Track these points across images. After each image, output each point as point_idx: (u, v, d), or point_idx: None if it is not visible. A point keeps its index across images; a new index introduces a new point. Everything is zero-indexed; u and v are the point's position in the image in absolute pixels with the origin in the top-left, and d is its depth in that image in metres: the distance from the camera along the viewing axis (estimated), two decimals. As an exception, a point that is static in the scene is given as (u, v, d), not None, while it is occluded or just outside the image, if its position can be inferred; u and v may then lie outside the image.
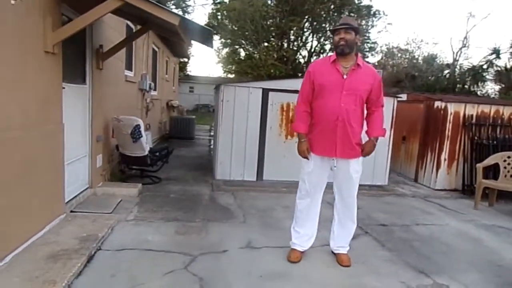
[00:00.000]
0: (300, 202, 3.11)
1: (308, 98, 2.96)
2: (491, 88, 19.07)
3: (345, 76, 2.81)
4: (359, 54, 2.95)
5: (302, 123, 3.00)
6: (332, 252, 3.17)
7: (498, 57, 17.89)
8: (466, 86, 18.92)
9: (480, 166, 5.18)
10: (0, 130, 2.52)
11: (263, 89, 5.73)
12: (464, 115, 5.99)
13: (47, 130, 3.22)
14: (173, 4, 18.89)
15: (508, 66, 17.33)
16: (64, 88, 3.54)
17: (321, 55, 23.08)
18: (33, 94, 2.95)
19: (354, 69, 2.83)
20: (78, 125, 4.17)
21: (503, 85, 17.40)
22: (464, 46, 21.37)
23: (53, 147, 3.35)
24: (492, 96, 18.16)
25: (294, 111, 3.12)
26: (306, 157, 2.98)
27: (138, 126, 4.93)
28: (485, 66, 18.56)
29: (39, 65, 3.03)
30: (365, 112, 3.02)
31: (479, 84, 18.94)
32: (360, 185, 5.55)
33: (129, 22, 6.18)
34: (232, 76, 27.30)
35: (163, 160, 5.64)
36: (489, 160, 5.30)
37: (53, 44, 3.14)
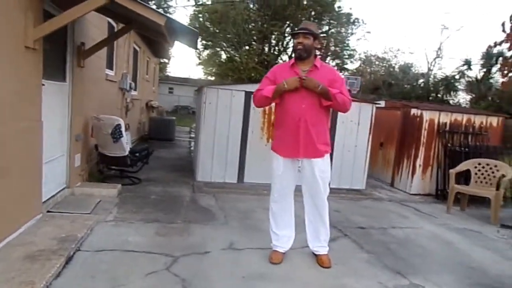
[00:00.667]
0: (273, 205, 3.17)
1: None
2: (463, 97, 19.90)
3: (301, 78, 2.86)
4: (318, 57, 3.04)
5: (267, 89, 2.95)
6: (313, 253, 3.22)
7: (469, 68, 18.73)
8: (439, 95, 19.64)
9: (452, 172, 5.40)
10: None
11: (246, 92, 5.76)
12: (439, 122, 6.23)
13: (24, 127, 3.13)
14: (154, 4, 18.70)
15: (479, 77, 18.13)
16: (43, 85, 3.45)
17: (302, 61, 23.33)
18: (10, 90, 2.86)
19: (312, 71, 2.93)
20: (57, 123, 4.07)
21: (473, 95, 18.17)
22: (438, 57, 22.27)
23: (30, 145, 3.26)
24: (463, 105, 18.93)
25: (254, 99, 3.12)
26: (301, 78, 2.83)
27: (119, 126, 4.86)
28: (457, 77, 19.37)
29: (19, 60, 2.95)
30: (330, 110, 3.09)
31: (452, 93, 19.72)
32: (338, 189, 5.79)
33: (110, 20, 6.08)
34: (212, 78, 27.23)
35: (143, 161, 5.58)
36: (461, 166, 5.53)
37: (34, 39, 3.07)
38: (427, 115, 6.21)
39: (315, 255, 3.20)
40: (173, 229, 3.67)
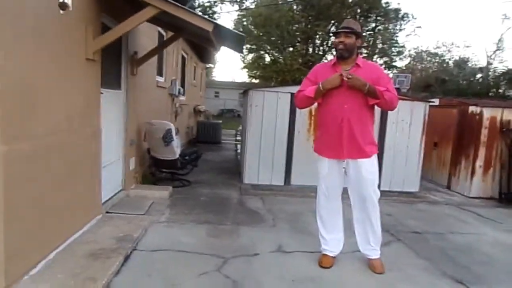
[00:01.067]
0: (320, 207, 3.11)
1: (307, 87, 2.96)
2: (528, 92, 18.28)
3: (345, 78, 2.78)
4: (360, 56, 2.94)
5: (309, 90, 2.91)
6: (365, 257, 3.11)
7: (535, 60, 17.15)
8: (500, 91, 18.22)
9: (519, 173, 4.97)
10: (45, 134, 2.65)
11: (292, 93, 5.72)
12: (501, 120, 5.78)
13: (87, 134, 3.36)
14: (200, 11, 19.28)
15: (546, 69, 16.57)
16: (102, 93, 3.68)
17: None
18: (76, 100, 3.09)
19: (354, 70, 2.83)
20: (114, 129, 4.32)
21: (540, 89, 16.63)
22: (499, 49, 20.63)
23: (92, 151, 3.49)
24: (529, 100, 17.37)
25: (296, 100, 3.09)
26: (341, 76, 2.76)
27: (170, 130, 5.06)
28: (521, 70, 17.83)
29: (81, 71, 3.18)
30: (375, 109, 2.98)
31: (515, 88, 18.20)
32: (389, 191, 5.57)
33: (160, 29, 6.36)
34: (256, 81, 27.45)
35: (193, 164, 5.75)
36: (529, 167, 5.07)
37: (94, 51, 3.29)
38: (487, 113, 5.78)
39: (368, 259, 3.08)
40: (223, 230, 3.74)
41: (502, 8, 44.46)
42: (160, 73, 6.83)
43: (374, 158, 2.95)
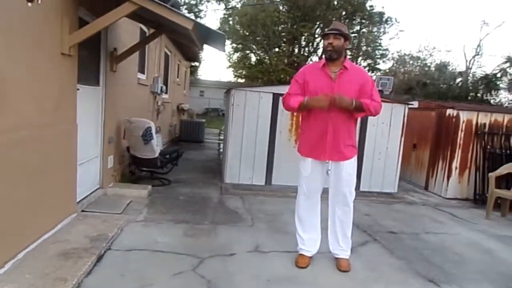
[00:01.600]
0: (299, 207, 3.13)
1: (297, 93, 2.98)
2: (505, 97, 18.85)
3: (334, 80, 2.85)
4: (347, 57, 2.97)
5: (294, 99, 2.94)
6: (334, 256, 3.15)
7: (512, 65, 17.70)
8: (479, 95, 18.72)
9: (492, 175, 5.11)
10: (16, 128, 2.57)
11: (274, 93, 5.74)
12: (477, 123, 5.93)
13: (61, 130, 3.28)
14: (185, 9, 19.12)
15: (523, 75, 17.11)
16: (78, 89, 3.61)
17: (332, 61, 23.02)
18: (48, 95, 3.01)
19: (342, 72, 2.88)
20: (91, 126, 4.24)
21: (517, 94, 17.16)
22: (477, 54, 21.22)
23: (66, 147, 3.41)
24: (506, 105, 17.91)
25: (284, 102, 3.10)
26: (327, 98, 2.76)
27: (149, 128, 4.99)
28: (498, 75, 18.37)
29: (56, 66, 3.10)
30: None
31: (493, 92, 18.74)
32: (368, 192, 5.65)
33: (142, 26, 6.27)
34: (242, 80, 27.42)
35: (173, 163, 5.69)
36: (502, 170, 5.22)
37: (70, 46, 3.21)
38: (464, 116, 5.93)
39: (335, 258, 3.12)
40: (201, 230, 3.71)
41: (482, 14, 45.74)
42: (141, 70, 6.74)
43: (354, 160, 3.00)
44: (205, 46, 4.79)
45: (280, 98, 5.66)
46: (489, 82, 18.34)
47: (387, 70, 25.34)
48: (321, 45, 23.23)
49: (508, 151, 5.74)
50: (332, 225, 3.14)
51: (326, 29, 3.03)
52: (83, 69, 3.77)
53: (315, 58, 23.67)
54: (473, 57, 21.70)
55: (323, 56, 2.98)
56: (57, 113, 3.15)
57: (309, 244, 3.11)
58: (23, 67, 2.61)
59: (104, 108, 4.49)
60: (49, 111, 3.02)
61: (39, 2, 2.60)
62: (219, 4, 21.68)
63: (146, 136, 5.00)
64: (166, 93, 9.15)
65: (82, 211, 3.84)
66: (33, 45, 2.73)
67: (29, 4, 2.48)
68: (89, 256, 2.79)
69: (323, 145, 2.90)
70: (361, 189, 5.79)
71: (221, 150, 9.22)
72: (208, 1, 20.82)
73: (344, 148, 2.92)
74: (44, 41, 2.89)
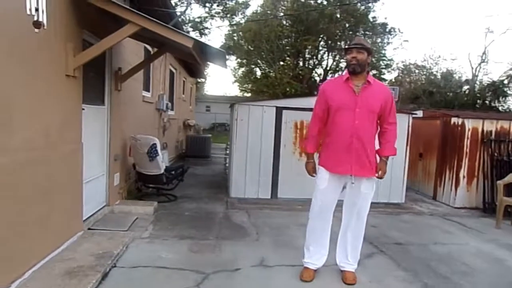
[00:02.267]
0: (311, 220, 3.11)
1: (322, 117, 3.02)
2: (513, 103, 18.62)
3: (357, 94, 2.86)
4: (370, 72, 2.99)
5: (311, 143, 3.10)
6: (340, 269, 3.13)
7: (519, 71, 17.55)
8: (486, 102, 18.55)
9: (500, 183, 5.04)
10: (23, 150, 2.64)
11: (277, 107, 5.79)
12: (483, 131, 5.88)
13: (67, 150, 3.35)
14: (190, 27, 19.49)
15: (530, 81, 16.95)
16: (83, 109, 3.69)
17: (337, 73, 23.17)
18: (54, 116, 3.09)
19: (366, 87, 2.89)
20: (96, 144, 4.31)
21: (525, 100, 16.96)
22: (483, 62, 21.08)
23: (72, 166, 3.47)
24: (515, 111, 17.71)
25: (308, 129, 3.19)
26: (312, 176, 3.09)
27: (154, 145, 5.05)
28: (506, 81, 18.20)
29: (60, 88, 3.18)
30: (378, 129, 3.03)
31: (500, 99, 18.55)
32: (375, 203, 5.58)
33: (147, 45, 6.41)
34: (248, 94, 27.63)
35: (179, 179, 5.74)
36: (510, 177, 5.14)
37: (74, 68, 3.31)
38: (469, 124, 5.89)
39: (341, 271, 3.10)
40: (206, 246, 3.71)
41: (486, 22, 45.69)
42: (146, 88, 6.86)
43: (374, 177, 2.98)
44: (208, 63, 4.88)
45: (283, 112, 5.77)
46: (497, 89, 18.18)
47: (393, 80, 25.32)
48: (325, 57, 23.43)
49: (515, 158, 5.66)
50: (343, 238, 3.12)
51: (348, 44, 3.08)
52: (88, 89, 3.86)
53: (319, 71, 23.84)
54: (479, 64, 21.57)
55: (346, 70, 2.98)
56: (62, 133, 3.22)
57: (315, 258, 3.09)
58: (28, 90, 2.70)
59: (110, 127, 4.57)
60: (54, 132, 3.09)
61: (45, 27, 2.70)
62: (223, 21, 22.03)
63: (152, 153, 5.06)
64: (172, 109, 9.28)
65: (89, 229, 3.88)
66: (38, 68, 2.82)
67: (36, 30, 2.57)
68: (94, 274, 2.81)
69: (349, 158, 2.86)
70: (368, 200, 5.74)
71: (227, 164, 9.25)
72: (212, 18, 21.17)
73: (371, 164, 2.91)
74: (49, 64, 2.98)
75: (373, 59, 23.13)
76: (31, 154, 2.76)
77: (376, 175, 2.96)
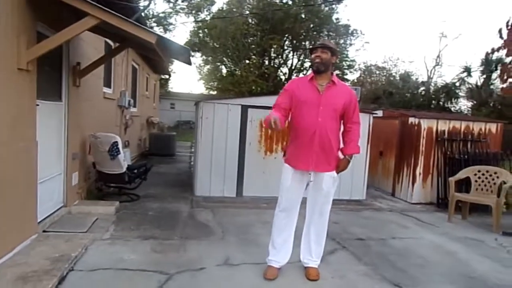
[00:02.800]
0: (277, 217, 3.13)
1: (284, 108, 3.00)
2: (464, 104, 19.83)
3: (321, 93, 2.92)
4: (334, 73, 3.06)
5: (275, 111, 2.86)
6: (303, 265, 3.18)
7: (469, 75, 18.73)
8: (440, 103, 19.61)
9: (452, 179, 5.35)
10: (-31, 148, 2.46)
11: (242, 105, 5.79)
12: (437, 130, 6.21)
13: (19, 148, 3.15)
14: (154, 22, 19.02)
15: (479, 84, 18.11)
16: (38, 105, 3.49)
17: (301, 73, 23.55)
18: (4, 111, 2.89)
19: (330, 86, 2.96)
20: (53, 142, 4.10)
21: (474, 102, 18.11)
22: (438, 65, 22.31)
23: (25, 165, 3.28)
24: (465, 112, 18.86)
25: (266, 119, 3.04)
26: (276, 123, 2.64)
27: (115, 143, 4.89)
28: (457, 84, 19.35)
29: (12, 82, 2.99)
30: (341, 128, 3.11)
31: (453, 100, 19.67)
32: (337, 200, 5.75)
33: (107, 40, 6.18)
34: (214, 92, 27.41)
35: (142, 177, 5.58)
36: (461, 174, 5.48)
37: (27, 61, 3.12)
38: (425, 123, 6.20)
39: (304, 268, 3.16)
40: (169, 245, 3.65)
41: (441, 27, 48.31)
42: (107, 84, 6.62)
43: (334, 172, 3.03)
44: (172, 59, 4.78)
45: (249, 110, 5.78)
46: (449, 91, 19.27)
47: (355, 81, 26.14)
48: (290, 56, 23.74)
49: (465, 156, 6.03)
50: (307, 235, 3.18)
51: (313, 44, 3.10)
52: (44, 84, 3.66)
53: (284, 70, 24.13)
54: (434, 67, 22.80)
55: (312, 70, 3.02)
56: (14, 130, 3.03)
57: (280, 255, 3.11)
58: (-24, 83, 2.51)
59: (67, 124, 4.36)
60: (5, 128, 2.90)
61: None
62: (188, 17, 21.70)
63: (113, 151, 4.88)
64: (134, 106, 9.01)
65: (44, 231, 3.69)
66: (-13, 61, 2.63)
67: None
68: (49, 278, 2.67)
69: (310, 154, 2.91)
70: (331, 197, 5.89)
71: (192, 163, 9.13)
72: (177, 14, 20.78)
73: (331, 160, 2.97)
74: (-1, 57, 2.79)
75: (336, 60, 23.77)
76: (-22, 152, 2.57)
77: (335, 171, 3.02)
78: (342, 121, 3.08)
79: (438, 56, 22.43)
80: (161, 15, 20.03)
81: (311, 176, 2.98)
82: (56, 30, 3.49)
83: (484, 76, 17.81)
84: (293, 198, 3.05)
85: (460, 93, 19.29)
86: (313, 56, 2.97)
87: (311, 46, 3.11)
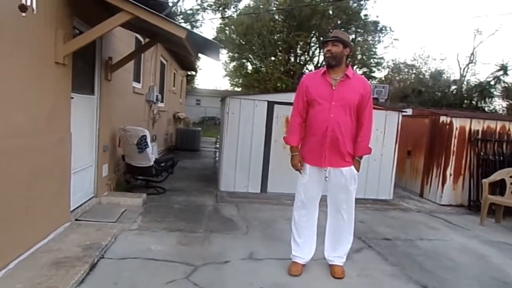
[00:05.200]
0: (296, 214, 3.12)
1: (301, 111, 3.02)
2: (499, 104, 19.00)
3: (334, 87, 2.87)
4: (350, 65, 3.01)
5: (294, 136, 3.04)
6: (328, 263, 3.15)
7: (505, 73, 17.89)
8: (473, 102, 18.87)
9: (486, 181, 5.14)
10: (8, 137, 2.58)
11: (269, 102, 5.79)
12: (470, 130, 5.98)
13: (55, 139, 3.29)
14: (181, 19, 19.27)
15: (516, 83, 17.29)
16: (73, 98, 3.62)
17: (328, 70, 23.18)
18: (42, 103, 3.02)
19: (343, 80, 2.89)
20: (85, 134, 4.25)
21: (510, 101, 17.31)
22: (471, 62, 21.38)
23: (60, 156, 3.41)
24: (500, 112, 18.07)
25: (289, 122, 3.17)
26: (299, 170, 3.04)
27: (144, 137, 5.00)
28: (492, 82, 18.54)
29: (49, 75, 3.12)
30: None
31: (487, 100, 18.89)
32: (364, 199, 5.67)
33: (138, 35, 6.32)
34: (239, 89, 27.55)
35: (168, 171, 5.69)
36: (495, 176, 5.26)
37: (64, 55, 3.24)
38: (457, 123, 5.98)
39: (329, 265, 3.12)
40: (195, 238, 3.70)
41: (475, 23, 46.35)
42: (137, 79, 6.78)
43: (353, 168, 2.98)
44: (201, 55, 4.84)
45: (275, 106, 5.77)
46: (483, 90, 18.50)
47: (383, 78, 25.54)
48: (316, 53, 23.47)
49: (501, 157, 5.78)
50: (330, 232, 3.14)
51: (326, 37, 3.07)
52: (78, 78, 3.79)
53: (310, 67, 23.86)
54: (467, 65, 21.88)
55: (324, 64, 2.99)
56: (50, 121, 3.16)
57: (303, 252, 3.10)
58: (15, 75, 2.63)
59: (99, 117, 4.50)
60: (42, 119, 3.03)
61: (34, 12, 2.63)
62: (215, 14, 21.84)
63: (141, 145, 5.00)
64: (162, 101, 9.19)
65: (76, 220, 3.83)
66: (26, 54, 2.75)
67: (23, 14, 2.50)
68: (81, 265, 2.78)
69: (322, 151, 2.89)
70: (357, 196, 5.71)
71: (217, 158, 9.22)
72: (204, 11, 20.95)
73: (346, 155, 2.91)
74: (38, 50, 2.91)
75: (364, 57, 23.31)
76: (18, 141, 2.70)
77: (353, 166, 2.95)
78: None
79: (472, 54, 21.51)
80: (188, 11, 20.26)
81: (327, 172, 2.95)
82: (90, 26, 3.61)
83: (522, 74, 16.98)
84: (310, 194, 3.03)
85: (495, 92, 18.49)
86: (324, 50, 2.92)
87: (322, 40, 3.04)
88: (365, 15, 22.18)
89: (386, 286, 2.95)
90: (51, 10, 3.04)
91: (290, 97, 5.80)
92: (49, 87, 3.12)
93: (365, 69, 24.30)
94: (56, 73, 3.22)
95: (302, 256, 3.09)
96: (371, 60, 23.72)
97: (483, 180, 5.21)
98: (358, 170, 2.99)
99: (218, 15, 21.83)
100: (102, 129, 4.57)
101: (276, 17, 21.51)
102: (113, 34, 4.73)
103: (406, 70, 26.25)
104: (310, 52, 23.47)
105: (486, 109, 18.58)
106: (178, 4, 16.80)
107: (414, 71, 25.56)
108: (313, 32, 21.65)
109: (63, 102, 3.41)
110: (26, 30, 2.70)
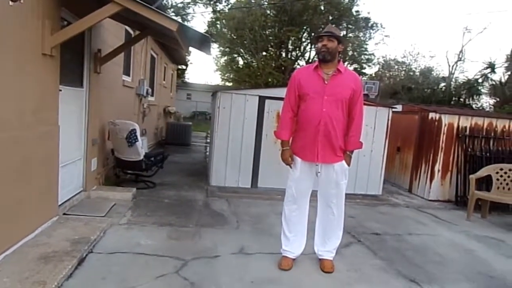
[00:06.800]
0: (287, 208, 3.13)
1: (293, 105, 3.02)
2: (486, 101, 19.32)
3: (326, 82, 2.88)
4: (341, 61, 3.02)
5: (285, 130, 3.05)
6: (318, 258, 3.17)
7: (493, 71, 18.19)
8: (461, 99, 19.15)
9: (473, 177, 5.22)
10: (-5, 130, 2.52)
11: (260, 96, 5.77)
12: (458, 126, 6.06)
13: (42, 132, 3.22)
14: (172, 12, 19.06)
15: (503, 80, 17.58)
16: (61, 90, 3.55)
17: (319, 65, 23.24)
18: (29, 96, 2.96)
19: (335, 75, 2.90)
20: (74, 127, 4.18)
21: (497, 99, 17.61)
22: (460, 60, 21.68)
23: (48, 149, 3.35)
24: (487, 109, 18.36)
25: (280, 116, 3.16)
26: (289, 165, 3.04)
27: (134, 131, 4.94)
28: (480, 80, 18.83)
29: (37, 67, 3.05)
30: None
31: (474, 97, 19.19)
32: (353, 194, 5.71)
33: (128, 28, 6.23)
34: (230, 84, 27.43)
35: (158, 165, 5.65)
36: (482, 172, 5.34)
37: (51, 47, 3.16)
38: (445, 119, 6.05)
39: (319, 259, 3.14)
40: (185, 233, 3.69)
41: (464, 21, 46.91)
42: (127, 73, 6.69)
43: (344, 163, 3.00)
44: (192, 49, 4.78)
45: (266, 101, 5.76)
46: (471, 87, 18.79)
47: (373, 75, 25.72)
48: (308, 49, 23.48)
49: (487, 154, 5.88)
50: (320, 227, 3.16)
51: (320, 32, 3.07)
52: (66, 70, 3.72)
53: (302, 63, 23.88)
54: (456, 62, 22.16)
55: (317, 58, 2.98)
56: (38, 114, 3.09)
57: (293, 246, 3.11)
58: (0, 66, 2.56)
59: (88, 110, 4.43)
60: (29, 112, 2.97)
61: (21, 1, 2.56)
62: (207, 7, 21.68)
63: (131, 139, 4.95)
64: (152, 95, 9.09)
65: (64, 214, 3.78)
66: (12, 45, 2.68)
67: (11, 3, 2.44)
68: (70, 259, 2.74)
69: (315, 146, 2.89)
70: (346, 191, 5.78)
71: (207, 153, 9.18)
72: (195, 4, 20.79)
73: (338, 150, 2.93)
74: (25, 41, 2.84)
75: (355, 53, 23.42)
76: (4, 134, 2.64)
77: (344, 161, 2.97)
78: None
79: (461, 51, 21.79)
80: (179, 5, 20.06)
81: (318, 167, 2.96)
82: (79, 17, 3.53)
83: (509, 72, 17.27)
84: (301, 188, 3.04)
85: (482, 90, 18.78)
86: (319, 45, 2.91)
87: (317, 35, 3.04)
88: (357, 11, 22.31)
89: (375, 280, 2.99)
90: (38, 0, 2.96)
91: (281, 92, 5.79)
92: (36, 79, 3.06)
93: (356, 65, 24.41)
94: (44, 65, 3.15)
95: (292, 251, 3.11)
96: (362, 57, 23.88)
97: (470, 176, 5.30)
98: (349, 165, 3.01)
99: (210, 8, 21.68)
100: (91, 122, 4.50)
101: (268, 12, 21.44)
102: (103, 26, 4.65)
103: (396, 67, 26.50)
104: (302, 48, 23.50)
105: (473, 106, 18.89)
106: (169, -3, 16.62)
107: (404, 68, 25.82)
108: (305, 27, 21.67)
109: (51, 95, 3.34)
110: (12, 20, 2.62)
